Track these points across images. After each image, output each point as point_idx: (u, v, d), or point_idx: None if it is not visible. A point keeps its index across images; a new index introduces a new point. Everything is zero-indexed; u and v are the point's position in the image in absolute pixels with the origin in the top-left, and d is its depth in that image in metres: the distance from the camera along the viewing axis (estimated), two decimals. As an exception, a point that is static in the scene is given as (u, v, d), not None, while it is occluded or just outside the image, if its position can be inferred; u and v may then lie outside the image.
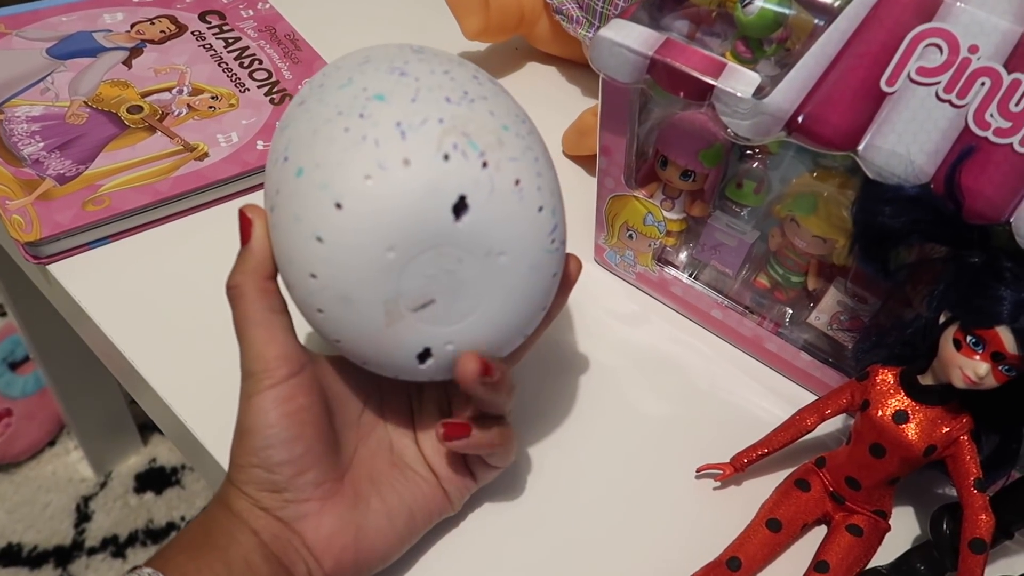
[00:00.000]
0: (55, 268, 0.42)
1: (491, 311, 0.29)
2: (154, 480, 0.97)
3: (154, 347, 0.40)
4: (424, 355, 0.30)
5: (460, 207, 0.27)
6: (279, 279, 0.31)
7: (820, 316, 0.41)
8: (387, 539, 0.32)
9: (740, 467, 0.38)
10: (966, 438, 0.33)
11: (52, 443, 0.99)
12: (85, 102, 0.47)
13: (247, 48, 0.53)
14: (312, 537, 0.30)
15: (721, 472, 0.38)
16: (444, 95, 0.28)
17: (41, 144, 0.44)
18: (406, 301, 0.28)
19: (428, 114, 0.27)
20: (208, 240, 0.44)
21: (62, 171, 0.43)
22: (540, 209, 0.29)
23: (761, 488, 0.39)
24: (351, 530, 0.31)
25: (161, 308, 0.41)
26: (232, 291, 0.30)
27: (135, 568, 0.28)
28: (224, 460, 0.36)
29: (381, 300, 0.28)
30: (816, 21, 0.36)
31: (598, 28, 0.55)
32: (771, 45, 0.37)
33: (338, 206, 0.27)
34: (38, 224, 0.41)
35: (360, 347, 0.30)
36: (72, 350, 0.80)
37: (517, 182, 0.28)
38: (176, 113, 0.48)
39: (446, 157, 0.27)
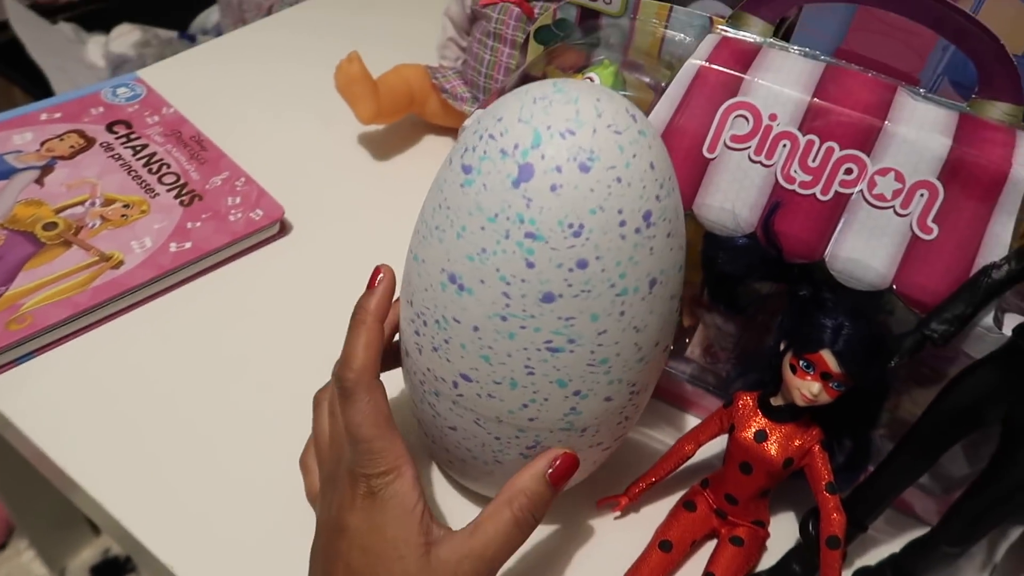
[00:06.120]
0: (-16, 387, 0.44)
1: None
2: (109, 571, 0.97)
3: (85, 451, 0.42)
4: None
5: None
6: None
7: (695, 349, 0.46)
8: None
9: (633, 496, 0.42)
10: (817, 448, 0.38)
11: (3, 547, 0.99)
12: (1, 224, 0.50)
13: (155, 154, 0.57)
14: None
15: (617, 503, 0.42)
16: None
17: (-39, 270, 0.47)
18: None
19: None
20: (129, 344, 0.47)
21: (-17, 294, 0.46)
22: None
23: (661, 512, 0.43)
24: None
25: (89, 413, 0.44)
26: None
27: None
28: (163, 555, 0.39)
29: None
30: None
31: (481, 102, 0.60)
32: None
33: None
34: (-37, 348, 0.43)
35: None
36: (14, 454, 0.80)
37: None
38: (90, 225, 0.51)
39: None
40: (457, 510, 0.42)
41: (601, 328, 0.31)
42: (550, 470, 0.34)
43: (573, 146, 0.29)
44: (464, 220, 0.30)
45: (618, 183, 0.29)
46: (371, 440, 0.32)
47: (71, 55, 0.93)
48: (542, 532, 0.42)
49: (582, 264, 0.30)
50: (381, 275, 0.35)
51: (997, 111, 0.36)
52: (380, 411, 0.33)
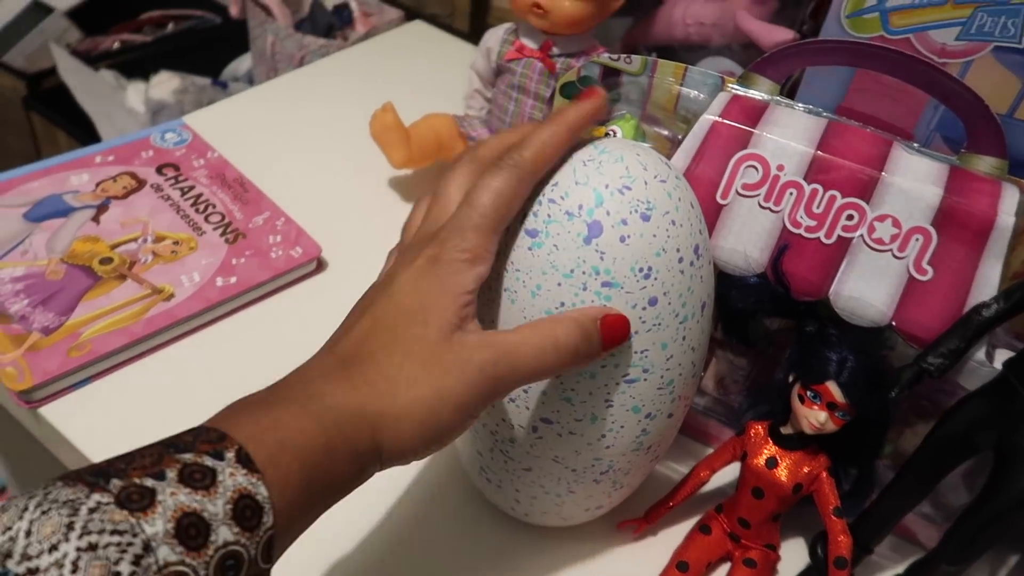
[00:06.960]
0: (44, 410, 0.48)
1: None
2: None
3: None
4: None
5: None
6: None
7: (708, 382, 0.49)
8: None
9: (652, 520, 0.44)
10: (825, 474, 0.40)
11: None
12: (61, 259, 0.54)
13: (201, 195, 0.61)
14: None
15: (636, 527, 0.45)
16: None
17: (26, 301, 0.51)
18: None
19: None
20: (179, 370, 0.51)
21: (46, 323, 0.49)
22: None
23: (678, 535, 0.45)
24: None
25: (142, 433, 0.47)
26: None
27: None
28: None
29: None
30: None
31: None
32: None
33: None
34: (29, 373, 0.47)
35: None
36: (47, 476, 0.83)
37: None
38: (143, 260, 0.55)
39: None
40: (500, 540, 0.45)
41: (669, 354, 0.35)
42: (602, 317, 0.32)
43: (632, 199, 0.33)
44: (538, 279, 0.33)
45: (673, 225, 0.33)
46: (475, 214, 0.30)
47: (114, 101, 0.98)
48: (567, 551, 0.44)
49: (653, 301, 0.33)
50: (594, 98, 0.33)
51: (984, 164, 0.40)
52: (510, 205, 0.31)
